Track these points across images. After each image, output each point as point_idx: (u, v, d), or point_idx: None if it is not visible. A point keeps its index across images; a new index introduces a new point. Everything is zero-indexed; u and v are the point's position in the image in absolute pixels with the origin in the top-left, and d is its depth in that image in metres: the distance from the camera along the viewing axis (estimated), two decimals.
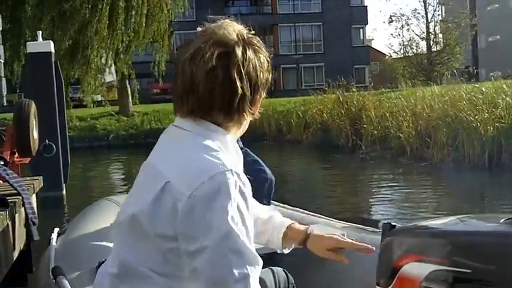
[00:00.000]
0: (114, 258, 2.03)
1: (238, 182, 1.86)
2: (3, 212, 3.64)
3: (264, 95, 2.11)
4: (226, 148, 1.99)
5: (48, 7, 27.59)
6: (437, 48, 44.89)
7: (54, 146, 7.48)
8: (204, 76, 1.92)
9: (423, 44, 45.42)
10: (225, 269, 1.77)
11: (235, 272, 1.76)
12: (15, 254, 4.10)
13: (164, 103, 32.01)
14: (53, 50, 12.08)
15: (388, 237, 2.04)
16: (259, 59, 2.05)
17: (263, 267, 1.90)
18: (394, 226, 2.11)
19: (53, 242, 3.33)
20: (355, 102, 20.79)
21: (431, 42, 44.85)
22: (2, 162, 4.55)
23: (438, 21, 46.09)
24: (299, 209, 4.54)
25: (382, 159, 16.93)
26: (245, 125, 2.12)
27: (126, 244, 1.99)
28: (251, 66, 2.00)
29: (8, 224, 3.77)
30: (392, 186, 13.36)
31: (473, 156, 14.29)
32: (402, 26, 44.18)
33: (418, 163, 15.24)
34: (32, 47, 12.10)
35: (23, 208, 4.20)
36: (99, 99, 56.75)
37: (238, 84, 1.94)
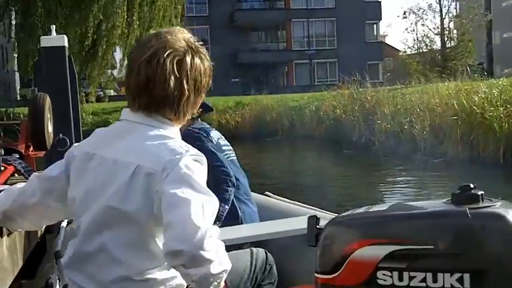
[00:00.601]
0: (86, 239, 2.25)
1: (203, 160, 2.21)
2: None
3: (204, 96, 2.39)
4: (176, 135, 2.31)
5: (61, 1, 27.64)
6: (452, 44, 44.67)
7: (67, 140, 7.47)
8: (159, 78, 2.21)
9: (437, 40, 45.21)
10: (193, 228, 1.95)
11: (201, 233, 1.94)
12: (32, 246, 4.10)
13: None
14: (66, 44, 12.08)
15: (329, 228, 2.19)
16: (203, 66, 2.32)
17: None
18: (319, 219, 2.28)
19: (62, 229, 3.34)
20: (368, 98, 20.72)
21: (446, 38, 44.63)
22: (17, 156, 4.55)
23: (453, 17, 45.85)
24: (295, 202, 4.65)
25: (395, 155, 16.87)
26: (185, 121, 2.38)
27: (101, 232, 2.21)
28: (197, 72, 2.28)
29: None
30: (405, 181, 13.32)
31: (488, 153, 14.22)
32: (417, 22, 43.89)
33: (432, 159, 15.17)
34: (45, 41, 12.09)
35: None
36: (112, 94, 56.94)
37: (186, 87, 2.25)
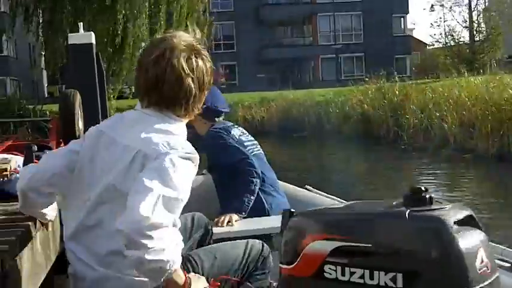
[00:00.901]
0: (89, 212, 2.52)
1: (196, 158, 2.44)
2: None
3: (206, 93, 2.65)
4: (181, 131, 2.56)
5: None
6: (480, 37, 44.30)
7: None
8: (168, 78, 2.48)
9: (465, 34, 44.91)
10: (138, 215, 2.13)
11: (144, 221, 2.13)
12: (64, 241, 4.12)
13: None
14: (94, 42, 12.14)
15: (291, 220, 2.35)
16: (206, 66, 2.59)
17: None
18: (293, 213, 2.39)
19: None
20: (396, 92, 20.58)
21: (474, 32, 44.28)
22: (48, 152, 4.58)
23: (482, 10, 45.47)
24: (332, 196, 4.97)
25: (424, 150, 16.76)
26: (193, 116, 2.66)
27: (102, 207, 2.48)
28: (200, 72, 2.55)
29: (56, 212, 3.80)
30: (433, 176, 13.25)
31: None
32: (444, 15, 43.72)
33: (461, 154, 15.05)
34: (73, 38, 12.10)
35: None
36: None
37: (193, 86, 2.52)
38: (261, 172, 4.41)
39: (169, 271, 2.20)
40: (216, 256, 2.97)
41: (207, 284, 2.51)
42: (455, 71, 24.84)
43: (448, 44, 44.66)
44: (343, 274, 2.10)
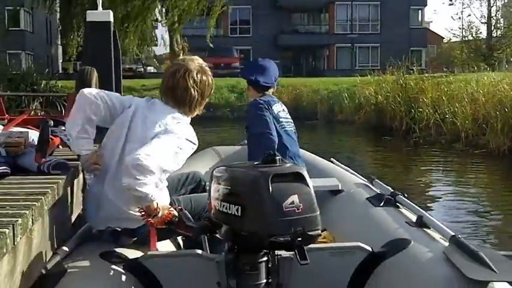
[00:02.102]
0: (119, 159, 3.54)
1: (195, 147, 3.60)
2: (64, 177, 3.68)
3: (206, 100, 3.84)
4: (186, 123, 3.67)
5: None
6: (498, 33, 44.06)
7: None
8: (180, 87, 3.67)
9: (483, 29, 44.67)
10: (154, 159, 3.26)
11: (153, 166, 3.23)
12: (73, 218, 4.15)
13: (216, 77, 32.06)
14: (112, 20, 12.13)
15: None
16: (208, 80, 3.77)
17: None
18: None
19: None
20: (412, 85, 20.48)
21: (492, 27, 44.04)
22: (63, 128, 4.60)
23: (501, 6, 45.20)
24: (349, 169, 5.78)
25: (436, 144, 16.71)
26: (194, 114, 3.83)
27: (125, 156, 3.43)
28: (203, 84, 3.74)
29: (68, 189, 3.81)
30: (443, 170, 13.23)
31: None
32: (463, 9, 43.50)
33: (473, 150, 15.01)
34: (91, 15, 12.14)
35: (81, 173, 4.24)
36: (153, 71, 57.18)
37: (197, 95, 3.71)
38: (285, 145, 5.10)
39: (148, 200, 3.27)
40: (191, 201, 3.94)
41: (169, 210, 3.40)
42: (470, 66, 24.70)
43: (466, 39, 44.46)
44: (220, 207, 3.10)
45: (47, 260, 3.18)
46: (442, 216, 8.01)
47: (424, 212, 3.91)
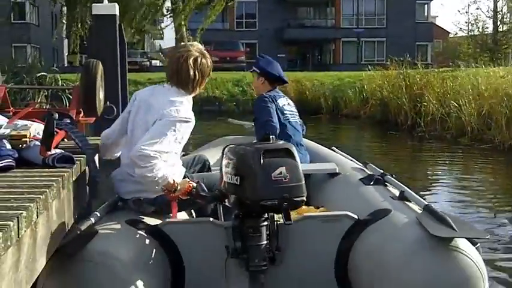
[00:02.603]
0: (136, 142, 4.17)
1: (191, 125, 4.18)
2: (69, 170, 3.68)
3: (206, 79, 4.40)
4: (187, 102, 4.26)
5: None
6: (504, 28, 43.91)
7: (115, 108, 7.52)
8: (184, 69, 4.22)
9: (490, 24, 44.51)
10: (154, 146, 3.93)
11: (156, 152, 3.92)
12: (78, 211, 4.15)
13: (221, 71, 32.02)
14: (117, 13, 12.13)
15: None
16: (207, 63, 4.34)
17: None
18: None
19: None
20: (417, 79, 20.44)
21: (498, 22, 43.90)
22: (69, 121, 4.60)
23: (506, 1, 45.03)
24: (348, 156, 6.44)
25: (441, 139, 16.68)
26: (197, 92, 4.41)
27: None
28: (204, 66, 4.30)
29: (72, 182, 3.81)
30: (448, 165, 13.21)
31: None
32: (470, 4, 43.38)
33: (478, 145, 14.98)
34: (97, 8, 12.15)
35: (86, 167, 4.24)
36: (158, 65, 57.14)
37: (198, 75, 4.27)
38: (288, 134, 5.72)
39: (164, 180, 3.99)
40: (203, 178, 4.36)
41: (188, 183, 4.09)
42: (473, 61, 24.61)
43: (472, 33, 44.35)
44: (227, 178, 3.75)
45: (76, 223, 3.78)
46: (447, 208, 8.01)
47: (406, 188, 4.56)
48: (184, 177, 4.26)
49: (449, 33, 59.98)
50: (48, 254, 3.17)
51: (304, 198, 3.68)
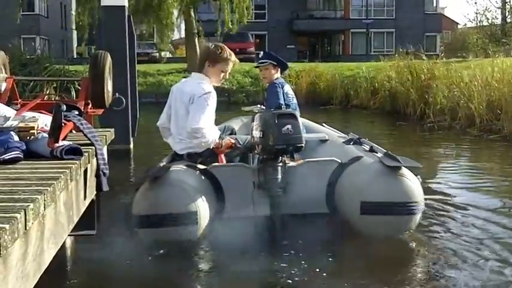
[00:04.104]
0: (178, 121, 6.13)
1: (214, 95, 5.94)
2: (77, 162, 3.68)
3: (225, 68, 6.22)
4: (209, 82, 6.07)
5: None
6: None
7: (123, 100, 7.53)
8: (204, 60, 6.14)
9: (498, 14, 44.30)
10: (201, 120, 5.81)
11: (204, 123, 5.79)
12: (86, 203, 4.15)
13: None
14: (127, 4, 12.12)
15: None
16: (221, 55, 6.10)
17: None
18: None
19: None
20: (425, 70, 20.37)
21: (507, 13, 43.71)
22: (77, 112, 4.59)
23: None
24: (334, 129, 8.44)
25: (450, 129, 16.62)
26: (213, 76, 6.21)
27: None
28: (218, 57, 6.06)
29: (81, 174, 3.82)
30: (457, 155, 13.18)
31: None
32: None
33: (487, 135, 14.93)
34: (106, 0, 12.13)
35: (94, 159, 4.24)
36: (168, 56, 57.05)
37: (214, 63, 6.12)
38: None
39: (212, 142, 5.90)
40: (236, 138, 6.34)
41: (229, 140, 6.13)
42: (482, 52, 24.47)
43: (481, 24, 44.15)
44: (255, 134, 5.76)
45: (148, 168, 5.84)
46: (458, 198, 8.01)
47: (376, 145, 6.58)
48: (220, 138, 6.13)
49: (458, 24, 59.75)
50: (56, 247, 3.18)
51: (303, 145, 5.71)
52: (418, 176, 5.60)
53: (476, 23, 45.41)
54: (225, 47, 6.25)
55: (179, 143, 6.08)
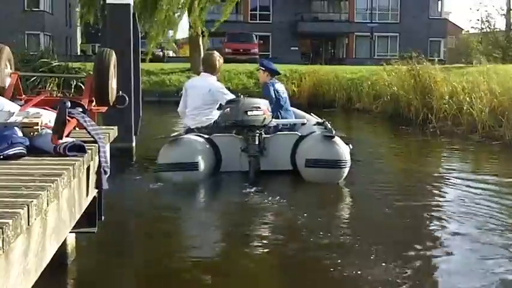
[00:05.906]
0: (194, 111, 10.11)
1: (225, 90, 10.23)
2: (80, 159, 3.68)
3: (220, 69, 10.65)
4: (216, 81, 10.30)
5: None
6: None
7: (127, 98, 7.52)
8: (211, 64, 10.27)
9: (502, 21, 44.24)
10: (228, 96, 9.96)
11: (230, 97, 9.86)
12: (88, 200, 4.15)
13: (235, 63, 31.92)
14: (131, 2, 12.12)
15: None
16: (221, 60, 10.35)
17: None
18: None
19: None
20: (427, 75, 20.36)
21: (511, 20, 43.64)
22: (81, 110, 4.59)
23: None
24: (317, 117, 11.24)
25: (452, 134, 16.63)
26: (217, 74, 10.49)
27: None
28: (220, 62, 10.35)
29: (83, 171, 3.82)
30: (459, 160, 13.18)
31: None
32: (481, 1, 43.17)
33: (489, 141, 14.94)
34: None
35: (97, 156, 4.24)
36: (171, 55, 57.10)
37: (217, 67, 10.32)
38: (281, 105, 10.45)
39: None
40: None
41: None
42: (485, 58, 24.39)
43: (484, 30, 44.12)
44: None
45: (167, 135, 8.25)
46: (458, 204, 8.02)
47: (328, 124, 9.87)
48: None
49: (463, 29, 59.73)
50: (58, 243, 3.18)
51: (271, 118, 9.36)
52: (350, 145, 9.14)
53: (480, 30, 45.31)
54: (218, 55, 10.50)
55: (192, 119, 9.84)
